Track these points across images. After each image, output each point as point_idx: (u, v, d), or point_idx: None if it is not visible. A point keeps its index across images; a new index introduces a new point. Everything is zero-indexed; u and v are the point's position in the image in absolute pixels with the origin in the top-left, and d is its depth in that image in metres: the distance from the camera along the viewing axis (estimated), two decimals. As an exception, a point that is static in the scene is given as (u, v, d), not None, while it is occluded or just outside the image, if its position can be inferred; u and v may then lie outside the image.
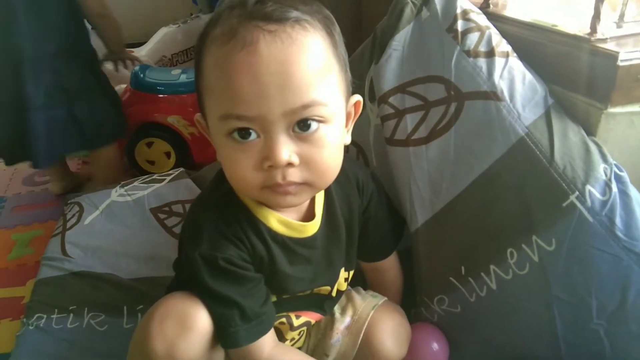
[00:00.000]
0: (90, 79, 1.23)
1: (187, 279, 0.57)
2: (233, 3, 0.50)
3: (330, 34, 0.51)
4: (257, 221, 0.57)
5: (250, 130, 0.49)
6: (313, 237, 0.61)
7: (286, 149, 0.49)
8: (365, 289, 0.75)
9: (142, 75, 1.39)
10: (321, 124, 0.50)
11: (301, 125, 0.49)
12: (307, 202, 0.61)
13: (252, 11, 0.48)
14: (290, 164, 0.49)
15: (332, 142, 0.51)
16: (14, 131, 1.18)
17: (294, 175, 0.50)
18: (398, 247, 0.74)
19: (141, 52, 1.68)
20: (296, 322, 0.66)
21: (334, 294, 0.68)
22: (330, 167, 0.53)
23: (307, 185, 0.52)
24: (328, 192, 0.62)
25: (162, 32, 1.80)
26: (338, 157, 0.54)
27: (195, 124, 0.58)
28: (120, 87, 1.41)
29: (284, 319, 0.64)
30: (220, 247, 0.55)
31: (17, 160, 1.25)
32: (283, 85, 0.47)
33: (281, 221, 0.58)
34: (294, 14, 0.48)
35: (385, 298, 0.72)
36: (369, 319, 0.68)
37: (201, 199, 0.63)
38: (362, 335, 0.68)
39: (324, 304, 0.68)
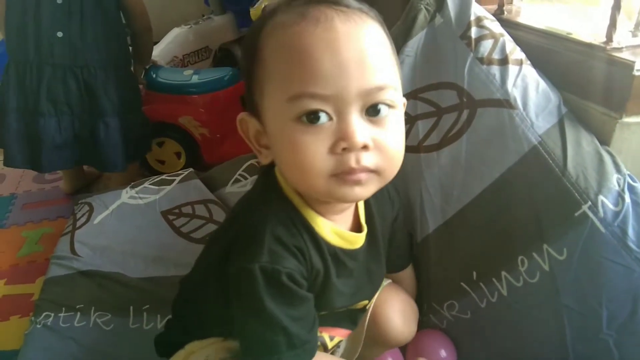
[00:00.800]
0: (128, 94, 1.23)
1: (232, 296, 0.52)
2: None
3: (384, 27, 0.51)
4: (314, 231, 0.54)
5: (321, 114, 0.46)
6: (359, 249, 0.59)
7: (362, 130, 0.46)
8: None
9: (154, 76, 1.40)
10: (390, 110, 0.48)
11: (372, 110, 0.47)
12: (352, 213, 0.59)
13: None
14: (365, 147, 0.47)
15: (399, 129, 0.50)
16: (24, 134, 1.18)
17: (368, 159, 0.47)
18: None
19: (154, 51, 1.69)
20: (330, 344, 0.63)
21: (369, 306, 0.66)
22: (399, 153, 0.50)
23: (377, 173, 0.49)
24: (367, 203, 0.61)
25: (174, 32, 1.80)
26: (403, 146, 0.51)
27: (238, 124, 0.54)
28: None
29: (318, 342, 0.61)
30: (282, 260, 0.50)
31: (22, 165, 1.24)
32: (361, 63, 0.46)
33: (335, 231, 0.55)
34: (355, 4, 0.49)
35: (390, 280, 0.71)
36: (374, 299, 0.67)
37: (252, 204, 0.58)
38: (369, 314, 0.66)
39: (357, 318, 0.66)
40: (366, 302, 0.64)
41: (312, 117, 0.46)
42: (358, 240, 0.58)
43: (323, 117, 0.46)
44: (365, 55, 0.46)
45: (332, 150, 0.46)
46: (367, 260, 0.60)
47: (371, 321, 0.66)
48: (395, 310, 0.67)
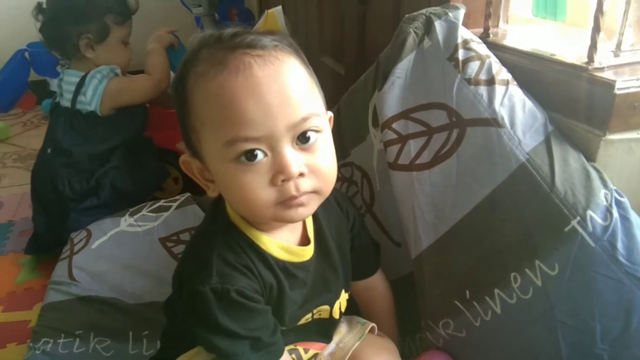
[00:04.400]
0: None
1: (190, 317, 0.57)
2: (206, 41, 0.54)
3: (300, 56, 0.56)
4: (260, 249, 0.58)
5: (257, 151, 0.51)
6: (309, 261, 0.63)
7: (296, 161, 0.51)
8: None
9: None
10: (318, 134, 0.54)
11: (302, 138, 0.52)
12: (300, 228, 0.63)
13: (233, 43, 0.52)
14: (301, 174, 0.52)
15: (329, 150, 0.56)
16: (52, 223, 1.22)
17: (306, 184, 0.53)
18: (399, 273, 0.75)
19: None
20: (305, 357, 0.66)
21: (335, 315, 0.68)
22: (332, 171, 0.56)
23: (316, 193, 0.55)
24: (315, 217, 0.65)
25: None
26: (335, 163, 0.57)
27: (181, 165, 0.60)
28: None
29: (293, 355, 0.64)
30: (232, 279, 0.55)
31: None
32: (284, 102, 0.50)
33: (282, 247, 0.60)
34: (270, 41, 0.52)
35: (374, 324, 0.72)
36: (353, 348, 0.68)
37: (201, 232, 0.64)
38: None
39: (329, 330, 0.69)
40: (328, 308, 0.67)
41: (250, 155, 0.51)
42: (305, 253, 0.62)
43: (260, 155, 0.51)
44: (287, 94, 0.50)
45: (272, 183, 0.52)
46: (320, 270, 0.64)
47: None
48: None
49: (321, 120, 0.54)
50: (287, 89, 0.51)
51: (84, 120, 1.24)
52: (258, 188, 0.52)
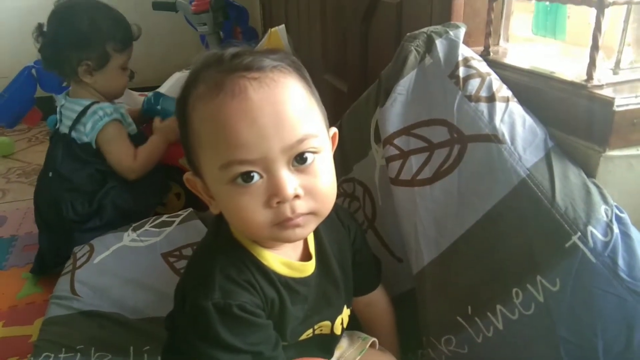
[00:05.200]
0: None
1: (191, 332, 0.57)
2: (207, 61, 0.54)
3: (302, 75, 0.56)
4: (262, 265, 0.59)
5: (253, 173, 0.51)
6: (310, 276, 0.63)
7: (291, 183, 0.52)
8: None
9: (157, 106, 1.43)
10: (315, 155, 0.53)
11: (298, 160, 0.52)
12: (302, 243, 0.64)
13: (231, 65, 0.52)
14: (296, 197, 0.52)
15: (327, 170, 0.55)
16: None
17: (301, 206, 0.53)
18: (401, 289, 0.75)
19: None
20: None
21: (336, 331, 0.68)
22: (330, 193, 0.56)
23: (313, 214, 0.55)
24: (317, 233, 0.65)
25: (176, 76, 1.85)
26: (334, 183, 0.57)
27: (186, 183, 0.60)
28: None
29: None
30: (234, 294, 0.55)
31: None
32: (278, 125, 0.50)
33: (283, 263, 0.60)
34: (269, 62, 0.53)
35: (375, 339, 0.72)
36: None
37: (203, 247, 0.65)
38: None
39: (330, 345, 0.69)
40: (329, 324, 0.67)
41: (246, 177, 0.51)
42: (307, 269, 0.63)
43: (255, 177, 0.52)
44: (282, 116, 0.51)
45: (267, 204, 0.52)
46: (321, 285, 0.65)
47: None
48: None
49: (319, 141, 0.54)
50: (282, 111, 0.51)
51: (80, 150, 1.23)
52: (254, 210, 0.52)
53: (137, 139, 1.30)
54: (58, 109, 1.29)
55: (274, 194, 0.51)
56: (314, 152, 0.53)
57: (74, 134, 1.22)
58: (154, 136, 1.32)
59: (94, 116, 1.21)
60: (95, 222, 1.21)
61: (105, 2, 1.28)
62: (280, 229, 0.54)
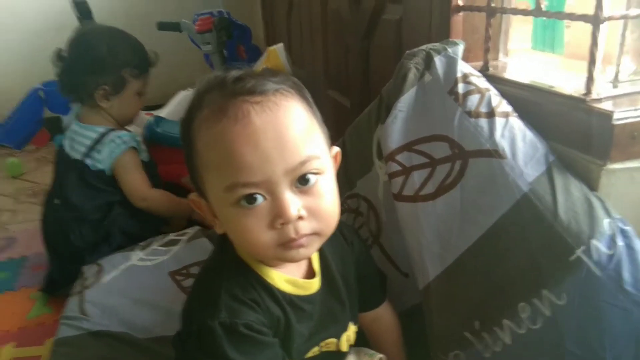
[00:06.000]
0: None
1: (199, 352, 0.57)
2: (211, 85, 0.56)
3: (303, 96, 0.57)
4: (267, 283, 0.60)
5: (256, 195, 0.52)
6: (315, 294, 0.64)
7: (294, 205, 0.53)
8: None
9: (158, 129, 1.45)
10: (318, 176, 0.54)
11: (301, 181, 0.53)
12: (306, 261, 0.64)
13: (234, 89, 0.53)
14: (300, 218, 0.53)
15: (330, 190, 0.56)
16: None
17: (305, 227, 0.54)
18: (408, 304, 0.75)
19: (161, 114, 1.76)
20: None
21: (343, 348, 0.69)
22: (334, 213, 0.57)
23: (316, 234, 0.56)
24: (321, 250, 0.66)
25: (181, 95, 1.88)
26: (337, 203, 0.58)
27: (191, 204, 0.61)
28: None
29: None
30: (240, 313, 0.56)
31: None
32: (281, 148, 0.51)
33: (288, 281, 0.61)
34: (272, 85, 0.54)
35: (382, 356, 0.72)
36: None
37: (209, 267, 0.66)
38: None
39: None
40: (335, 341, 0.67)
41: (250, 199, 0.52)
42: (312, 286, 0.63)
43: (259, 199, 0.53)
44: (284, 139, 0.52)
45: (271, 226, 0.53)
46: (326, 302, 0.65)
47: None
48: None
49: (321, 162, 0.55)
50: (284, 135, 0.52)
51: (93, 177, 1.23)
52: (258, 231, 0.53)
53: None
54: (67, 134, 1.29)
55: (277, 216, 0.52)
56: (316, 173, 0.54)
57: (88, 161, 1.23)
58: (183, 201, 1.30)
59: (111, 144, 1.22)
60: (104, 249, 1.21)
61: (121, 29, 1.30)
62: (284, 249, 0.55)
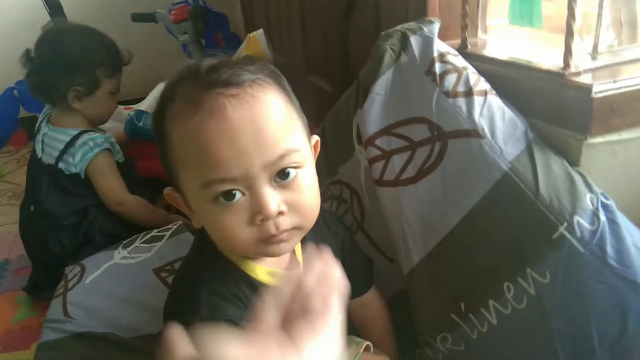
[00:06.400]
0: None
1: None
2: (183, 75, 0.52)
3: (281, 85, 0.54)
4: (248, 277, 0.58)
5: (235, 191, 0.50)
6: None
7: (273, 200, 0.51)
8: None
9: (139, 123, 1.42)
10: (298, 170, 0.52)
11: (281, 175, 0.51)
12: (289, 252, 0.62)
13: (208, 80, 0.50)
14: (280, 213, 0.51)
15: (310, 184, 0.54)
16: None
17: (285, 222, 0.52)
18: (395, 289, 0.74)
19: (141, 108, 1.73)
20: None
21: None
22: (314, 206, 0.55)
23: (297, 229, 0.54)
24: (304, 240, 0.64)
25: (160, 87, 1.84)
26: (318, 196, 0.56)
27: (166, 197, 0.59)
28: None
29: None
30: (220, 309, 0.54)
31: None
32: (259, 142, 0.49)
33: (270, 273, 0.59)
34: (248, 75, 0.51)
35: (369, 343, 0.72)
36: None
37: (188, 263, 0.64)
38: None
39: None
40: None
41: (228, 195, 0.50)
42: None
43: (238, 194, 0.50)
44: (262, 133, 0.49)
45: (251, 222, 0.51)
46: None
47: None
48: None
49: (301, 155, 0.53)
50: (261, 128, 0.49)
51: (67, 181, 1.19)
52: (238, 228, 0.51)
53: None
54: (39, 138, 1.25)
55: (257, 212, 0.50)
56: (296, 167, 0.52)
57: (61, 165, 1.19)
58: (161, 210, 1.28)
59: (84, 147, 1.18)
60: (87, 251, 1.17)
61: (93, 27, 1.25)
62: (265, 245, 0.53)
